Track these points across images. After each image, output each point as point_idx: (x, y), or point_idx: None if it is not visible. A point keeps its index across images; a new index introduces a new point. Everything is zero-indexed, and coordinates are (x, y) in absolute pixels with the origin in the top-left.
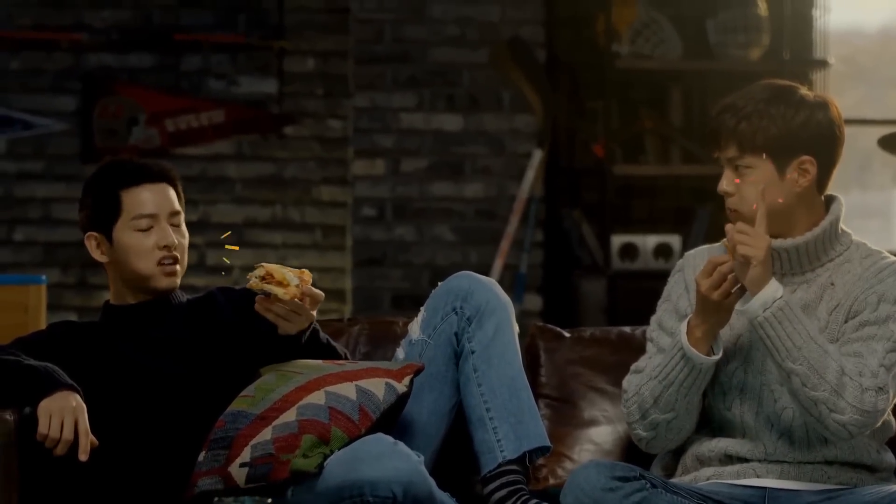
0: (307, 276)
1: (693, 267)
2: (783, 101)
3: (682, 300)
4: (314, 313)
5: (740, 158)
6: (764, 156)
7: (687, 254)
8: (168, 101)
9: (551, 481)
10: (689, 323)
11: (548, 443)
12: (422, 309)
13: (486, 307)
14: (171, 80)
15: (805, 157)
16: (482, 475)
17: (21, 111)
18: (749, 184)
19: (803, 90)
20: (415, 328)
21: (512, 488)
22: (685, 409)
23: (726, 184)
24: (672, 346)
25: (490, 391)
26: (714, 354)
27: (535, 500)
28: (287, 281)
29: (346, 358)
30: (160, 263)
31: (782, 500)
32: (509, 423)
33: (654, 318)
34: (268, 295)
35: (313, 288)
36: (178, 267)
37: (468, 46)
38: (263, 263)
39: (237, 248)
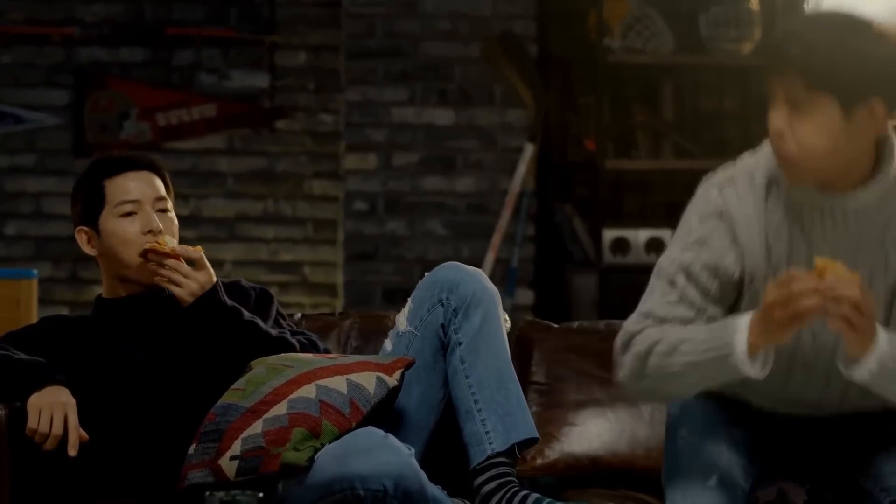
0: (196, 248)
1: (745, 218)
2: (860, 35)
3: (728, 257)
4: (203, 278)
5: (802, 94)
6: (831, 94)
7: (724, 192)
8: (159, 95)
9: (539, 462)
10: (750, 324)
11: (536, 434)
12: (409, 300)
13: (473, 298)
14: (162, 75)
15: (876, 100)
16: (471, 467)
17: (12, 105)
18: (808, 124)
19: (880, 25)
20: (402, 320)
21: (501, 481)
22: (692, 391)
23: (779, 121)
24: (719, 341)
25: (478, 383)
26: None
27: (523, 492)
28: (164, 242)
29: (289, 343)
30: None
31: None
32: (497, 414)
33: (675, 257)
34: (146, 256)
35: (188, 248)
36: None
37: (460, 41)
38: (165, 235)
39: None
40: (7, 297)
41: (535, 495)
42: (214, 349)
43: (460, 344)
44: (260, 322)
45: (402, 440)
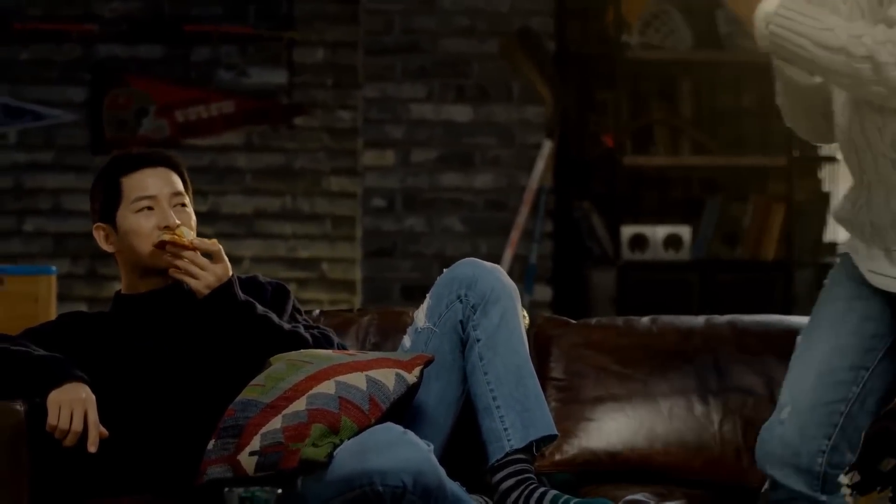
0: (211, 241)
1: None
2: None
3: None
4: (220, 271)
5: None
6: None
7: None
8: (178, 91)
9: (557, 457)
10: None
11: (555, 431)
12: (427, 297)
13: (491, 295)
14: (180, 71)
15: None
16: (489, 464)
17: (31, 102)
18: None
19: None
20: (420, 316)
21: (519, 477)
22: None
23: None
24: None
25: (496, 380)
26: None
27: (542, 489)
28: (182, 234)
29: (302, 337)
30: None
31: None
32: (516, 411)
33: None
34: (163, 246)
35: (206, 241)
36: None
37: (478, 37)
38: (182, 226)
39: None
40: (26, 293)
41: (553, 492)
42: (228, 343)
43: (479, 341)
44: (273, 316)
45: (421, 437)
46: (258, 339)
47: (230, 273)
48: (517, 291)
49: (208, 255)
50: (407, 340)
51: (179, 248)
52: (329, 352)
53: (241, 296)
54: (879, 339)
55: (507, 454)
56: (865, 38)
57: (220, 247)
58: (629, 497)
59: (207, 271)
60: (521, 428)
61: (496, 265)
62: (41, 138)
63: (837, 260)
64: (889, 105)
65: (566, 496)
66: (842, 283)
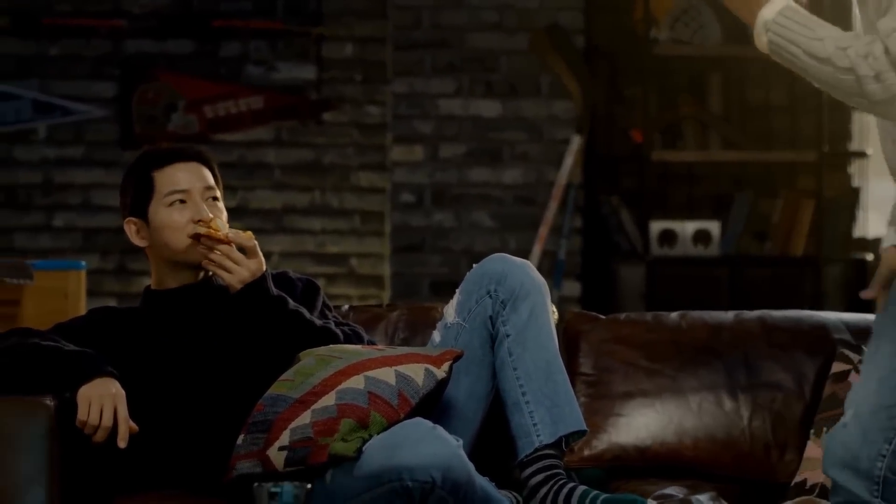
0: (247, 234)
1: None
2: None
3: None
4: (256, 268)
5: None
6: None
7: None
8: (207, 87)
9: (586, 453)
10: None
11: (584, 426)
12: (457, 292)
13: (521, 290)
14: (209, 67)
15: None
16: (518, 460)
17: (60, 97)
18: None
19: None
20: (450, 311)
21: (548, 473)
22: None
23: None
24: None
25: (525, 375)
26: None
27: (571, 485)
28: (217, 227)
29: (333, 333)
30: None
31: None
32: (545, 406)
33: None
34: (198, 239)
35: (241, 234)
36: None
37: (506, 32)
38: (216, 219)
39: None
40: (55, 288)
41: (582, 487)
42: (260, 338)
43: (508, 336)
44: (305, 312)
45: (450, 431)
46: (289, 334)
47: (264, 268)
48: (546, 287)
49: (242, 249)
50: (436, 335)
51: (214, 241)
52: (358, 347)
53: (274, 290)
54: None
55: (536, 449)
56: (850, 51)
57: (256, 242)
58: (659, 492)
59: (241, 266)
60: (551, 423)
61: (526, 261)
62: (70, 134)
63: None
64: (874, 114)
65: (595, 491)
66: None
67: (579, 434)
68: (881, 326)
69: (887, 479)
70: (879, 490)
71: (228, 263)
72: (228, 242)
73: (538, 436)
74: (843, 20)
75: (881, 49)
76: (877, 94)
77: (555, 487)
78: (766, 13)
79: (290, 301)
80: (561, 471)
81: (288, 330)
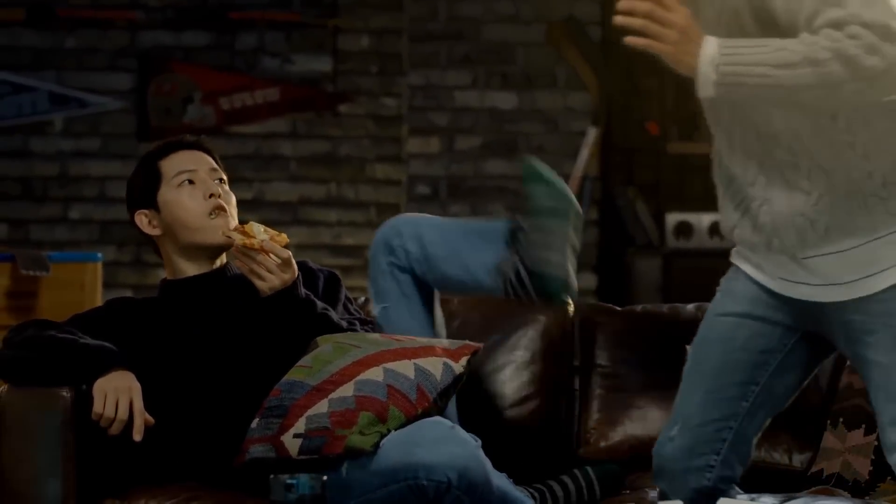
0: (281, 238)
1: None
2: None
3: None
4: (288, 276)
5: None
6: None
7: None
8: (223, 79)
9: (602, 445)
10: None
11: (507, 224)
12: (368, 287)
13: (399, 238)
14: (226, 59)
15: None
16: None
17: (77, 89)
18: None
19: None
20: (373, 306)
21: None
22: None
23: None
24: None
25: (443, 260)
26: None
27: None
28: (253, 234)
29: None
30: (210, 213)
31: None
32: (480, 243)
33: None
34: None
35: (277, 246)
36: (229, 218)
37: (523, 24)
38: (252, 222)
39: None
40: (72, 280)
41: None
42: (286, 337)
43: (424, 273)
44: (332, 314)
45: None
46: (316, 335)
47: (296, 276)
48: (420, 216)
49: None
50: (378, 330)
51: (249, 250)
52: (377, 336)
53: (303, 293)
54: (770, 353)
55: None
56: (822, 42)
57: (290, 253)
58: None
59: (274, 275)
60: (489, 258)
61: (392, 218)
62: (87, 126)
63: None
64: (866, 100)
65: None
66: (733, 294)
67: (511, 226)
68: (708, 333)
69: (717, 488)
70: (707, 500)
71: (262, 272)
72: (265, 252)
73: (496, 256)
74: None
75: (859, 26)
76: (878, 65)
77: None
78: (708, 50)
79: (318, 303)
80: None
81: (315, 332)
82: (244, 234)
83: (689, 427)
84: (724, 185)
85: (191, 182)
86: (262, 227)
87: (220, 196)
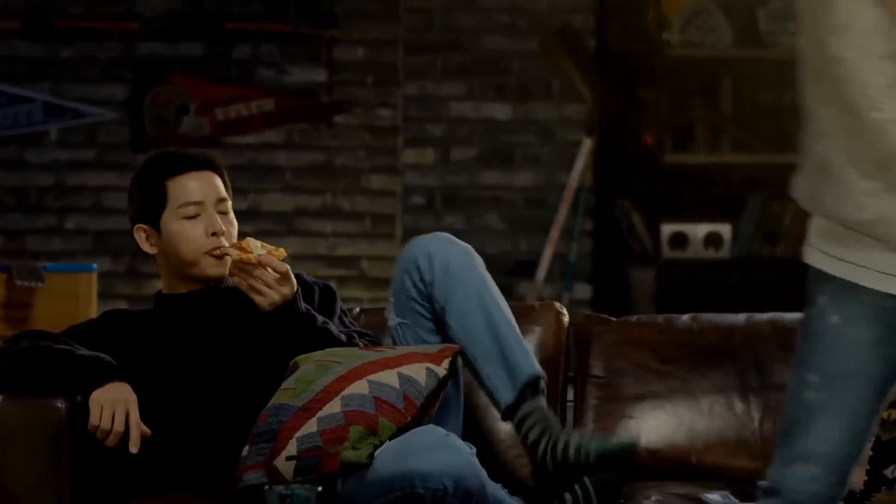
0: (279, 252)
1: None
2: None
3: None
4: (286, 290)
5: None
6: None
7: None
8: (218, 89)
9: None
10: None
11: (539, 371)
12: (391, 293)
13: (438, 263)
14: (221, 69)
15: None
16: (505, 418)
17: (72, 100)
18: None
19: None
20: (391, 315)
21: (542, 428)
22: None
23: None
24: None
25: (469, 340)
26: None
27: (564, 438)
28: (250, 249)
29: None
30: (209, 252)
31: None
32: (497, 364)
33: None
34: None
35: (275, 260)
36: (225, 254)
37: (518, 35)
38: (249, 237)
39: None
40: (66, 290)
41: (575, 437)
42: (285, 352)
43: (443, 311)
44: (332, 327)
45: (439, 422)
46: (316, 349)
47: (295, 289)
48: (469, 250)
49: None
50: (389, 341)
51: (246, 265)
52: (356, 350)
53: (303, 307)
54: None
55: (505, 410)
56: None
57: (288, 266)
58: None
59: (273, 290)
60: (507, 379)
61: (441, 233)
62: (82, 136)
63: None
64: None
65: (588, 438)
66: (858, 322)
67: (538, 379)
68: (838, 368)
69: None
70: None
71: (261, 287)
72: (262, 266)
73: (500, 395)
74: None
75: None
76: None
77: (541, 441)
78: None
79: (318, 317)
80: (550, 421)
81: (315, 346)
82: (241, 249)
83: (832, 466)
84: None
85: (196, 215)
86: (258, 243)
87: (222, 233)
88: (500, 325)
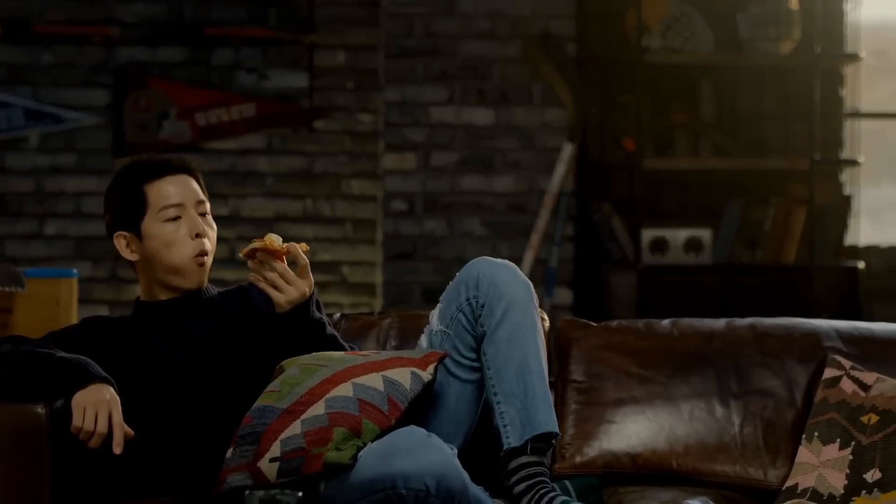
0: (302, 246)
1: None
2: None
3: None
4: (306, 288)
5: None
6: None
7: None
8: (199, 95)
9: (577, 460)
10: None
11: (556, 429)
12: (441, 299)
13: (495, 291)
14: (201, 75)
15: None
16: (501, 463)
17: (52, 105)
18: None
19: None
20: (434, 319)
21: (530, 482)
22: None
23: None
24: None
25: (497, 375)
26: None
27: (551, 494)
28: (273, 241)
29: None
30: (195, 256)
31: None
32: (515, 408)
33: None
34: (254, 255)
35: (300, 250)
36: (207, 259)
37: (499, 40)
38: (271, 233)
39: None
40: (47, 296)
41: (562, 498)
42: (283, 352)
43: (485, 336)
44: (339, 336)
45: (442, 437)
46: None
47: (312, 289)
48: (529, 287)
49: (293, 266)
50: (423, 341)
51: (271, 255)
52: (342, 354)
53: (316, 314)
54: None
55: (507, 453)
56: None
57: (308, 261)
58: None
59: (293, 286)
60: (520, 425)
61: (508, 262)
62: (62, 141)
63: None
64: None
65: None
66: None
67: (551, 436)
68: None
69: None
70: None
71: (280, 282)
72: (287, 252)
73: (507, 438)
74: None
75: None
76: None
77: (536, 496)
78: None
79: (328, 325)
80: (544, 477)
81: (315, 339)
82: (263, 241)
83: None
84: None
85: (178, 217)
86: (280, 239)
87: (205, 235)
88: (532, 373)
